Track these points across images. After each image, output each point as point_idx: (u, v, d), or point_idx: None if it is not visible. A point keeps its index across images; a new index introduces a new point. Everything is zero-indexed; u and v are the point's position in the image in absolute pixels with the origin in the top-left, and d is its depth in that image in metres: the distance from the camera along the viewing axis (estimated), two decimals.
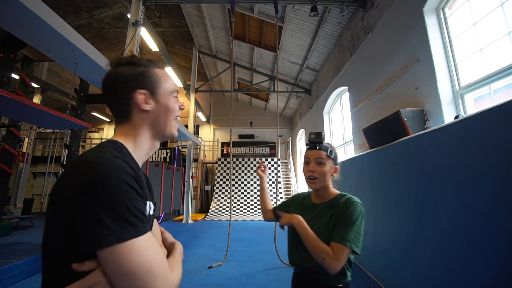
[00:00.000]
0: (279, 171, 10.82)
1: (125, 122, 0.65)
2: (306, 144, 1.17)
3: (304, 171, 1.13)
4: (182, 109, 0.73)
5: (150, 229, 0.62)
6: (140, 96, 0.64)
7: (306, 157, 1.14)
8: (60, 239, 0.49)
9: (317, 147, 1.10)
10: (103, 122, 14.16)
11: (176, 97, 0.72)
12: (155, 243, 0.53)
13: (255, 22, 7.01)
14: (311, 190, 1.17)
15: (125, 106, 0.64)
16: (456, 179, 1.82)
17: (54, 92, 9.91)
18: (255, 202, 10.14)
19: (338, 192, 1.12)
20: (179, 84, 9.99)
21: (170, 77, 0.72)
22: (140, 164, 0.66)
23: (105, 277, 0.47)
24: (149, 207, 0.63)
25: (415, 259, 2.19)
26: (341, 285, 0.99)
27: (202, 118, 12.49)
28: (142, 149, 0.66)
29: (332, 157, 1.09)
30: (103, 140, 0.62)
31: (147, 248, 0.49)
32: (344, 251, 0.92)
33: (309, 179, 1.10)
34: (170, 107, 0.68)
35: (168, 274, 0.51)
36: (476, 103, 2.74)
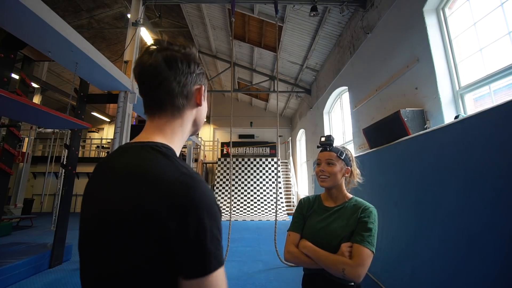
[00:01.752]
0: (279, 171, 10.82)
1: (176, 116, 0.59)
2: (318, 147, 1.23)
3: (316, 172, 1.18)
4: None
5: None
6: (201, 92, 0.62)
7: (318, 159, 1.20)
8: (148, 260, 0.44)
9: (328, 149, 1.17)
10: (103, 122, 14.16)
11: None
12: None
13: (255, 22, 7.01)
14: (319, 193, 1.21)
15: (187, 98, 0.59)
16: (456, 179, 1.82)
17: (54, 92, 9.91)
18: (255, 202, 10.13)
19: (351, 196, 1.16)
20: None
21: None
22: None
23: None
24: None
25: (415, 259, 2.19)
26: (352, 283, 0.99)
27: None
28: (180, 148, 0.63)
29: (342, 158, 1.14)
30: (151, 143, 0.54)
31: (223, 275, 0.47)
32: (370, 256, 0.95)
33: (320, 177, 1.15)
34: (205, 105, 0.67)
35: None
36: (476, 103, 2.74)
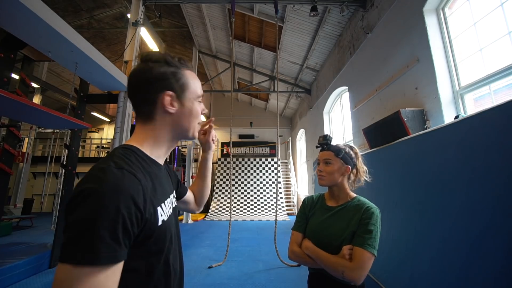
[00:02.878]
0: (279, 171, 10.82)
1: (147, 121, 0.64)
2: (317, 147, 1.25)
3: (316, 172, 1.22)
4: (204, 113, 0.72)
5: (177, 222, 0.70)
6: (167, 97, 0.62)
7: (318, 158, 1.22)
8: None
9: (325, 148, 1.18)
10: (103, 122, 14.16)
11: (201, 101, 0.71)
12: (115, 279, 0.46)
13: (255, 22, 7.01)
14: (320, 193, 1.22)
15: (150, 105, 0.62)
16: (456, 179, 1.82)
17: (54, 92, 9.90)
18: (255, 202, 10.13)
19: (354, 195, 1.14)
20: None
21: (198, 79, 0.70)
22: (161, 161, 0.67)
23: None
24: (171, 202, 0.66)
25: (415, 259, 2.19)
26: (352, 283, 0.98)
27: (202, 118, 12.44)
28: (161, 149, 0.66)
29: (340, 156, 1.14)
30: (117, 147, 0.61)
31: (90, 280, 0.41)
32: (370, 258, 0.94)
33: (318, 176, 1.18)
34: (194, 111, 0.67)
35: None
36: (476, 103, 2.74)
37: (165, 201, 0.62)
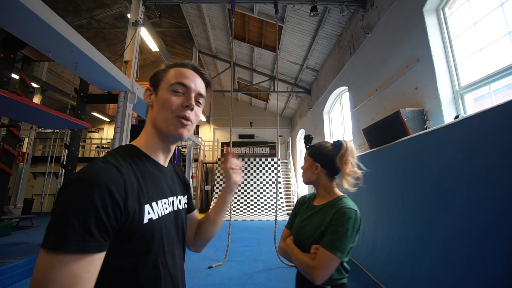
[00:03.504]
0: (279, 171, 10.82)
1: (146, 122, 0.70)
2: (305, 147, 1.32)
3: None
4: (187, 106, 0.63)
5: (180, 226, 0.69)
6: (147, 92, 0.68)
7: None
8: None
9: (306, 147, 1.23)
10: (103, 122, 14.16)
11: (180, 93, 0.64)
12: (87, 270, 0.45)
13: (255, 22, 7.01)
14: (315, 192, 1.22)
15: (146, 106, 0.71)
16: (456, 179, 1.82)
17: (54, 92, 9.90)
18: (255, 202, 10.13)
19: (339, 194, 1.09)
20: None
21: (182, 72, 0.67)
22: (161, 161, 0.68)
23: None
24: (170, 204, 0.65)
25: (415, 259, 2.19)
26: (328, 287, 0.98)
27: (202, 118, 12.49)
28: (155, 147, 0.67)
29: (310, 154, 1.15)
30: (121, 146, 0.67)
31: (64, 269, 0.43)
32: (332, 260, 0.90)
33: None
34: (166, 101, 0.63)
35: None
36: (476, 103, 2.74)
37: (159, 201, 0.60)
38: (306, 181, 1.17)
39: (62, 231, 0.43)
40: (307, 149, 1.19)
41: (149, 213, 0.56)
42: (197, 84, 0.68)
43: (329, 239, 0.93)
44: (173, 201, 0.67)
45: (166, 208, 0.63)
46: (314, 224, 1.04)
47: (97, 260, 0.47)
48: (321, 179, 1.12)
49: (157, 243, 0.57)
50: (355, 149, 1.11)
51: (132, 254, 0.53)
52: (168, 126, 0.63)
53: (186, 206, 0.77)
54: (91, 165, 0.51)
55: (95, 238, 0.46)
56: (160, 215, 0.60)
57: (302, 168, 1.18)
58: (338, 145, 1.10)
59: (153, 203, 0.58)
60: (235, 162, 0.89)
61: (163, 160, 0.68)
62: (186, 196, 0.79)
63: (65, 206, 0.45)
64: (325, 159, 1.11)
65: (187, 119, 0.64)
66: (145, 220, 0.55)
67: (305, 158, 1.18)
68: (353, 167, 1.06)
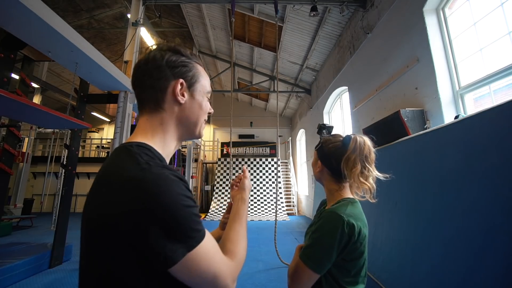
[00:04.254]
0: (279, 171, 10.82)
1: (154, 112, 0.59)
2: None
3: None
4: (210, 113, 0.67)
5: None
6: (179, 85, 0.59)
7: None
8: (119, 263, 0.46)
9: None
10: (103, 122, 14.16)
11: (209, 99, 0.67)
12: (213, 242, 0.53)
13: (255, 22, 7.01)
14: (318, 192, 1.13)
15: (159, 92, 0.59)
16: (456, 178, 1.82)
17: (54, 92, 9.90)
18: (255, 202, 10.13)
19: (343, 197, 0.90)
20: None
21: (207, 77, 0.68)
22: (167, 161, 0.64)
23: None
24: None
25: (415, 259, 2.19)
26: None
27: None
28: (169, 147, 0.61)
29: (316, 149, 0.96)
30: (127, 143, 0.56)
31: (209, 249, 0.50)
32: (303, 271, 0.76)
33: None
34: (203, 106, 0.64)
35: (230, 266, 0.52)
36: (476, 103, 2.74)
37: None
38: (316, 177, 1.00)
39: (183, 238, 0.47)
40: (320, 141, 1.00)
41: None
42: None
43: (305, 247, 0.80)
44: None
45: None
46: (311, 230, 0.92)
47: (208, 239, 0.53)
48: (325, 179, 0.93)
49: None
50: (371, 148, 0.87)
51: None
52: (200, 130, 0.65)
53: None
54: (163, 180, 0.47)
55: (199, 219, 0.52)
56: None
57: (311, 162, 1.02)
58: (346, 142, 0.87)
59: None
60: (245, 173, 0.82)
61: (167, 161, 0.65)
62: None
63: (169, 221, 0.45)
64: (327, 158, 0.91)
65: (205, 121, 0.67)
66: None
67: (314, 151, 1.02)
68: (362, 176, 0.82)
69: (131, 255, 0.45)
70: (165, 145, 0.60)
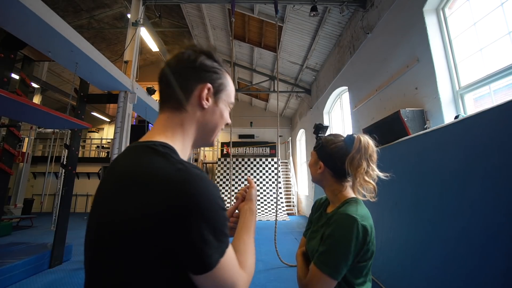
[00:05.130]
0: (279, 171, 10.82)
1: (176, 112, 0.59)
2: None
3: None
4: (228, 124, 0.67)
5: None
6: (206, 90, 0.59)
7: None
8: (147, 267, 0.43)
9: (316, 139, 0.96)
10: (103, 122, 14.16)
11: (230, 110, 0.67)
12: (233, 250, 0.52)
13: (255, 22, 7.01)
14: (318, 193, 1.10)
15: (187, 93, 0.58)
16: (456, 179, 1.82)
17: (54, 92, 9.90)
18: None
19: (347, 197, 0.88)
20: None
21: (233, 87, 0.68)
22: None
23: None
24: None
25: (415, 259, 2.19)
26: None
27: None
28: (186, 151, 0.59)
29: (315, 150, 0.93)
30: (148, 142, 0.54)
31: (233, 258, 0.50)
32: (320, 278, 0.74)
33: None
34: (224, 115, 0.64)
35: (244, 277, 0.51)
36: (476, 103, 2.74)
37: None
38: (313, 179, 0.97)
39: (217, 244, 0.46)
40: (316, 140, 0.96)
41: None
42: None
43: (320, 253, 0.77)
44: None
45: None
46: (319, 236, 0.87)
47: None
48: (327, 180, 0.91)
49: None
50: (374, 147, 0.86)
51: None
52: (213, 136, 0.64)
53: None
54: (202, 182, 0.46)
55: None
56: None
57: (309, 163, 0.98)
58: (349, 142, 0.87)
59: None
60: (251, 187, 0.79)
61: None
62: None
63: (209, 226, 0.44)
64: (329, 159, 0.89)
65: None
66: None
67: (312, 151, 0.98)
68: (367, 175, 0.82)
69: (157, 262, 0.43)
70: (183, 148, 0.59)
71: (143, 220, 0.43)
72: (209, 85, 0.59)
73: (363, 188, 0.84)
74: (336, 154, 0.87)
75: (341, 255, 0.74)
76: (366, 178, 0.82)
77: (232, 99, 0.66)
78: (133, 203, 0.44)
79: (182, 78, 0.58)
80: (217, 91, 0.61)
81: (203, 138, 0.63)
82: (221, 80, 0.62)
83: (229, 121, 0.67)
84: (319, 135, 0.96)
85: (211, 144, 0.67)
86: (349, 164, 0.84)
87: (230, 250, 0.48)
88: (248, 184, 0.79)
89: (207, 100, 0.59)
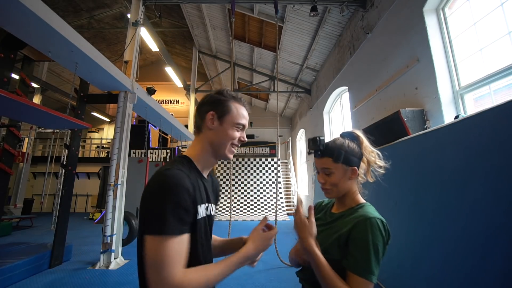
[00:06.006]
0: (279, 171, 10.82)
1: (198, 134, 0.85)
2: (308, 153, 1.02)
3: (318, 179, 0.98)
4: (242, 141, 0.86)
5: (210, 227, 0.82)
6: (210, 116, 0.82)
7: (315, 165, 0.98)
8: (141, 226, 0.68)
9: (318, 155, 0.93)
10: (103, 122, 14.16)
11: (240, 129, 0.85)
12: (183, 246, 0.65)
13: (255, 22, 7.01)
14: (319, 193, 1.07)
15: (201, 120, 0.83)
16: (456, 179, 1.82)
17: (54, 92, 9.91)
18: (255, 202, 10.14)
19: (361, 201, 0.93)
20: (179, 84, 9.98)
21: (244, 112, 0.86)
22: (205, 173, 0.84)
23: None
24: (207, 209, 0.79)
25: (415, 258, 2.19)
26: None
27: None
28: (204, 161, 0.83)
29: (341, 160, 0.89)
30: (178, 156, 0.84)
31: (171, 247, 0.62)
32: (368, 286, 0.76)
33: (323, 189, 0.95)
34: (228, 132, 0.82)
35: (173, 276, 0.61)
36: (476, 103, 2.74)
37: (202, 204, 0.75)
38: (340, 194, 0.92)
39: (166, 221, 0.62)
40: (329, 155, 0.90)
41: (198, 213, 0.73)
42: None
43: (358, 260, 0.77)
44: (207, 207, 0.80)
45: (205, 212, 0.78)
46: (327, 232, 0.89)
47: (188, 238, 0.68)
48: (353, 184, 0.93)
49: (200, 237, 0.75)
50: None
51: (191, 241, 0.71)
52: (225, 151, 0.83)
53: (214, 213, 0.92)
54: (170, 171, 0.68)
55: (185, 223, 0.67)
56: (202, 216, 0.76)
57: (326, 181, 0.91)
58: (356, 136, 0.95)
59: (202, 205, 0.76)
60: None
61: (205, 172, 0.85)
62: (215, 205, 0.93)
63: (164, 204, 0.64)
64: (355, 160, 0.91)
65: (237, 146, 0.87)
66: (198, 216, 0.73)
67: (327, 169, 0.90)
68: (378, 156, 0.95)
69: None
70: (201, 159, 0.83)
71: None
72: (212, 112, 0.82)
73: (374, 170, 0.94)
74: (354, 152, 0.92)
75: (377, 259, 0.77)
76: (378, 162, 0.93)
77: (239, 120, 0.83)
78: (145, 188, 0.70)
79: (200, 111, 0.84)
80: (221, 115, 0.82)
81: (217, 152, 0.83)
82: (224, 107, 0.82)
83: (243, 139, 0.86)
84: (321, 149, 0.92)
85: (225, 158, 0.84)
86: (366, 152, 0.93)
87: (173, 239, 0.63)
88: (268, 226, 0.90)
89: (212, 122, 0.82)
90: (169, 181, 0.66)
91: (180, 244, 0.64)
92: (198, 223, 0.73)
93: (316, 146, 0.92)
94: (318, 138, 0.93)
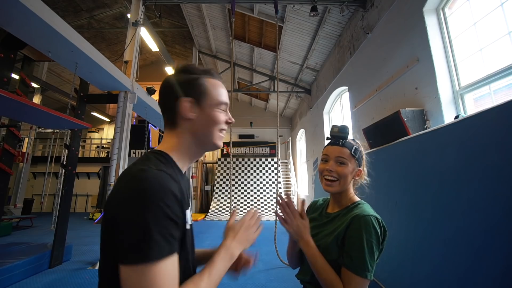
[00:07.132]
0: (279, 171, 10.82)
1: (171, 129, 0.66)
2: (327, 138, 0.98)
3: (320, 170, 0.93)
4: (229, 123, 0.70)
5: (193, 237, 0.65)
6: (185, 104, 0.63)
7: (325, 154, 0.94)
8: (109, 247, 0.52)
9: (340, 143, 0.91)
10: (103, 122, 14.16)
11: (224, 110, 0.69)
12: (175, 267, 0.50)
13: (255, 22, 7.01)
14: (320, 192, 1.09)
15: (171, 113, 0.65)
16: (456, 179, 1.82)
17: (54, 92, 9.91)
18: (255, 202, 10.14)
19: (357, 199, 0.94)
20: None
21: (222, 88, 0.69)
22: (184, 170, 0.67)
23: None
24: (188, 214, 0.61)
25: (415, 258, 2.19)
26: None
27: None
28: (185, 157, 0.66)
29: (356, 156, 0.90)
30: (149, 151, 0.64)
31: (161, 274, 0.47)
32: (362, 284, 0.76)
33: (326, 180, 0.91)
34: (214, 118, 0.66)
35: None
36: (476, 103, 2.74)
37: (187, 210, 0.60)
38: (341, 189, 0.91)
39: (150, 242, 0.46)
40: (349, 147, 0.91)
41: (186, 220, 0.58)
42: None
43: (352, 258, 0.77)
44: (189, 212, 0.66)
45: (190, 218, 0.63)
46: (325, 233, 0.89)
47: (176, 258, 0.51)
48: (351, 184, 0.95)
49: (189, 252, 0.60)
50: None
51: (182, 252, 0.57)
52: (214, 139, 0.67)
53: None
54: (148, 173, 0.51)
55: (175, 239, 0.51)
56: (190, 223, 0.61)
57: (335, 170, 0.89)
58: (358, 142, 0.98)
59: (187, 211, 0.59)
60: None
61: (184, 169, 0.68)
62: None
63: (145, 219, 0.47)
64: (362, 162, 0.96)
65: (225, 130, 0.70)
66: (187, 226, 0.58)
67: (342, 159, 0.89)
68: (366, 169, 0.98)
69: (111, 242, 0.53)
70: (181, 155, 0.65)
71: (112, 208, 0.53)
72: (187, 98, 0.63)
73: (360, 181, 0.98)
74: (362, 157, 0.96)
75: (375, 254, 0.78)
76: (366, 174, 0.97)
77: (220, 99, 0.67)
78: (112, 194, 0.54)
79: (165, 99, 0.66)
80: (199, 100, 0.64)
81: (204, 143, 0.67)
82: (201, 88, 0.65)
83: (229, 120, 0.70)
84: (346, 138, 0.93)
85: (215, 147, 0.68)
86: (363, 165, 0.97)
87: (162, 265, 0.48)
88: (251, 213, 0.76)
89: (192, 111, 0.64)
90: (150, 185, 0.49)
91: (172, 265, 0.49)
92: (187, 234, 0.58)
93: (345, 134, 0.92)
94: (347, 127, 0.93)
